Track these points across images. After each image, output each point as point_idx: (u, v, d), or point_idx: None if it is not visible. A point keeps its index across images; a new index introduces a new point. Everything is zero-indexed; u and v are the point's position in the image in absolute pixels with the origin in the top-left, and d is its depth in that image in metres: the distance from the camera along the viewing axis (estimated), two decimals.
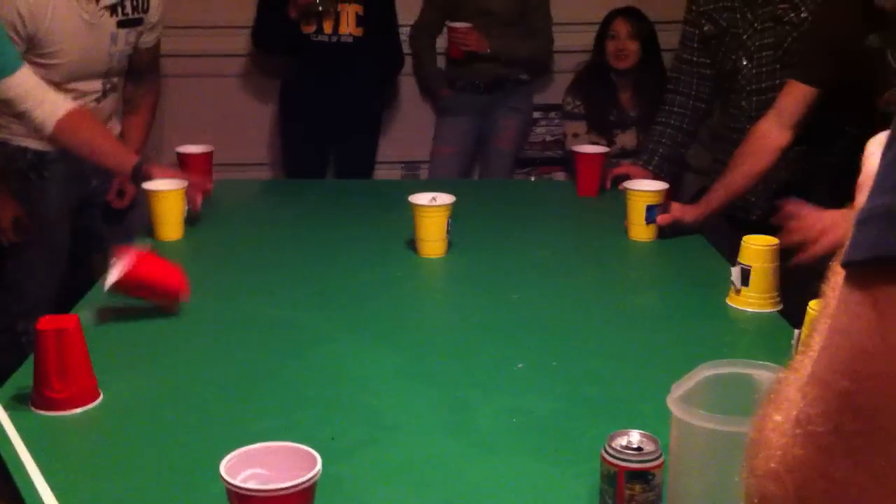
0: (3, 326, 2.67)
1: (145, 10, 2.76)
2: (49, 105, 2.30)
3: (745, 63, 2.65)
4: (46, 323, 1.51)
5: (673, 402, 1.06)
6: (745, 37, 2.64)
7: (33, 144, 2.69)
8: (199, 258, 2.28)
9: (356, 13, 3.47)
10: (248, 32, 3.66)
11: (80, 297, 1.97)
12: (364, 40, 3.50)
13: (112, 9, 2.66)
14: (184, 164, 2.70)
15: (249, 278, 2.13)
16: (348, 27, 3.47)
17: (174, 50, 3.64)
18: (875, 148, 0.69)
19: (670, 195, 2.47)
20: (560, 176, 3.89)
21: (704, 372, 1.11)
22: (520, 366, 1.65)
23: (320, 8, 3.38)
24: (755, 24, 2.61)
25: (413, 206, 2.17)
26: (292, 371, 1.67)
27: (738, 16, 2.66)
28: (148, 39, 2.85)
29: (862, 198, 0.65)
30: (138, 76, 2.94)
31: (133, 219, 2.90)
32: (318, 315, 1.91)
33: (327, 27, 3.46)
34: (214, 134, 3.24)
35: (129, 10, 2.71)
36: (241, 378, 1.64)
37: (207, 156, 2.73)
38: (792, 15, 2.53)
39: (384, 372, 1.66)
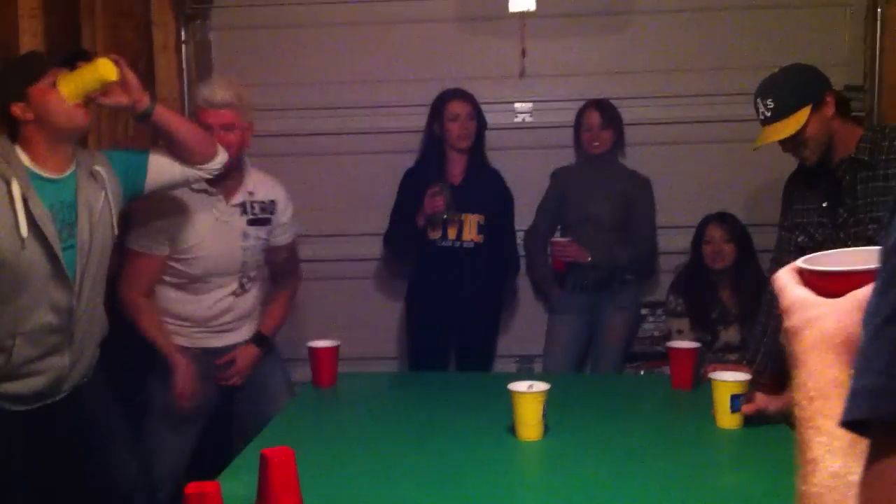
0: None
1: (272, 213, 3.16)
2: None
3: None
4: (192, 488, 1.80)
5: None
6: None
7: (179, 341, 3.06)
8: (320, 437, 2.56)
9: (478, 222, 3.83)
10: (381, 239, 4.07)
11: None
12: (484, 246, 3.84)
13: (242, 208, 3.08)
14: (314, 357, 3.03)
15: (362, 457, 2.38)
16: (470, 234, 3.83)
17: (315, 256, 4.11)
18: (787, 280, 0.90)
19: (770, 387, 2.64)
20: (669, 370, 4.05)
21: None
22: None
23: (445, 216, 3.76)
24: (848, 243, 2.76)
25: (512, 393, 2.42)
26: None
27: (831, 233, 2.84)
28: (280, 239, 3.23)
29: (789, 320, 0.85)
30: (277, 273, 3.33)
31: (266, 400, 3.19)
32: (427, 493, 2.13)
33: (451, 234, 3.82)
34: (350, 331, 3.57)
35: (257, 210, 3.12)
36: None
37: (334, 349, 3.06)
38: (883, 234, 2.69)
39: None
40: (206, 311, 3.10)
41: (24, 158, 2.44)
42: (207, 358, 3.12)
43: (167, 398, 3.00)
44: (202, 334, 3.12)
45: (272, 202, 3.17)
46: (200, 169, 2.75)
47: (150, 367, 3.03)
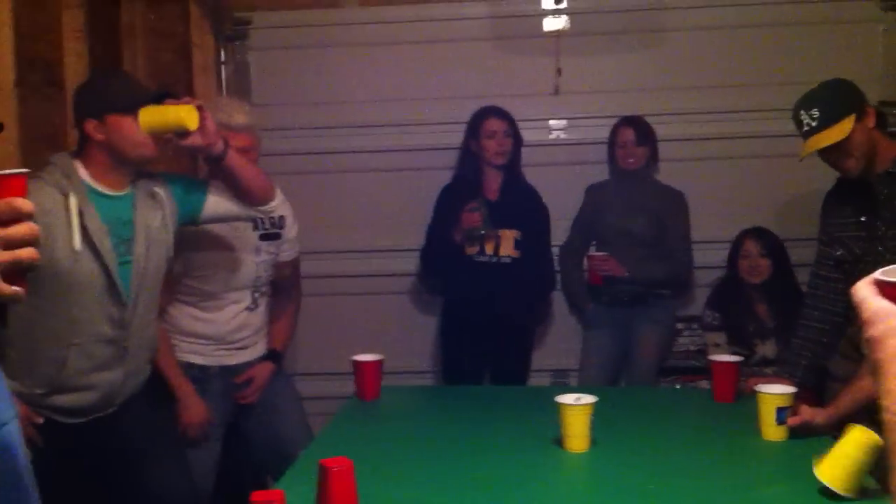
0: None
1: (281, 227, 3.24)
2: None
3: None
4: (257, 496, 1.85)
5: None
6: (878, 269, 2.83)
7: (198, 360, 3.13)
8: (370, 448, 2.59)
9: (514, 238, 3.86)
10: (417, 255, 4.12)
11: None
12: (521, 261, 3.87)
13: (254, 223, 3.13)
14: (359, 371, 3.08)
15: (414, 467, 2.44)
16: (507, 249, 3.85)
17: (351, 271, 4.16)
18: (867, 292, 0.94)
19: (809, 400, 2.68)
20: (705, 384, 4.07)
21: None
22: None
23: (482, 232, 3.81)
24: (886, 256, 2.79)
25: (560, 405, 2.46)
26: None
27: (868, 246, 2.87)
28: (287, 254, 3.31)
29: (872, 330, 0.89)
30: (282, 288, 3.38)
31: (285, 427, 3.25)
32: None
33: (489, 249, 3.85)
34: (385, 345, 3.61)
35: (268, 225, 3.19)
36: None
37: (378, 363, 3.10)
38: None
39: None
40: (223, 327, 3.15)
41: (84, 174, 2.51)
42: (225, 375, 3.17)
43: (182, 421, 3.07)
44: (220, 352, 3.17)
45: (282, 217, 3.25)
46: (257, 210, 2.81)
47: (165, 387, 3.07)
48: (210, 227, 3.00)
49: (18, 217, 1.05)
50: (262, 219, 3.14)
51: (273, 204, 2.83)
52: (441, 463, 2.47)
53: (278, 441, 3.20)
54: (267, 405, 3.27)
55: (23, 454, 0.80)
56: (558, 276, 4.18)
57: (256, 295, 3.20)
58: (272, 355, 3.30)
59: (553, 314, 4.34)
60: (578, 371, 4.15)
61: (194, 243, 3.02)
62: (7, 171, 1.08)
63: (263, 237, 3.19)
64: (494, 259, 3.87)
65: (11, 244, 1.04)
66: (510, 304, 3.89)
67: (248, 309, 3.18)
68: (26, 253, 1.05)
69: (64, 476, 2.60)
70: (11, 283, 1.04)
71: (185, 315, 3.14)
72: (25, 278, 1.06)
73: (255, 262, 3.15)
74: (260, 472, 3.38)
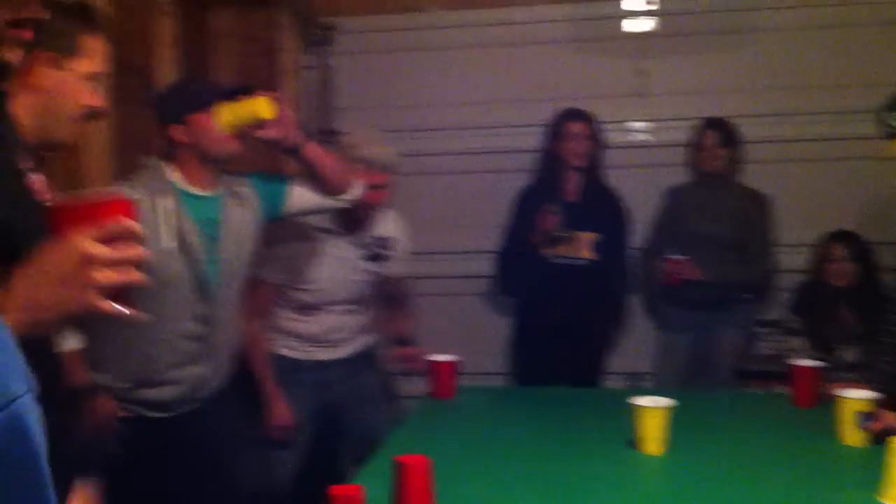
0: None
1: (390, 248, 3.30)
2: None
3: None
4: (337, 490, 1.90)
5: None
6: None
7: (289, 353, 3.22)
8: (445, 447, 2.61)
9: (592, 240, 3.86)
10: (494, 256, 4.14)
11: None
12: (598, 263, 3.88)
13: (359, 246, 3.21)
14: (433, 371, 3.13)
15: (488, 466, 2.46)
16: (584, 252, 3.86)
17: (429, 272, 4.21)
18: None
19: (891, 406, 2.62)
20: (783, 389, 4.01)
21: None
22: None
23: (559, 234, 3.81)
24: None
25: (636, 408, 2.46)
26: None
27: None
28: (395, 270, 3.36)
29: None
30: (392, 299, 3.45)
31: (379, 419, 3.29)
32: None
33: (566, 251, 3.86)
34: (460, 346, 3.66)
35: (375, 247, 3.25)
36: None
37: (454, 364, 3.14)
38: None
39: None
40: (318, 328, 3.24)
41: (175, 176, 2.60)
42: (317, 369, 3.25)
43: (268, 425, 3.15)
44: (314, 348, 3.26)
45: (391, 238, 3.31)
46: (336, 199, 2.86)
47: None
48: (315, 244, 3.10)
49: (129, 238, 1.12)
50: (369, 242, 3.23)
51: (352, 193, 2.85)
52: (515, 462, 2.49)
53: (371, 433, 3.24)
54: (361, 397, 3.34)
55: (38, 433, 0.74)
56: (636, 280, 4.16)
57: (355, 306, 3.28)
58: (404, 341, 3.42)
59: (628, 317, 4.32)
60: (654, 374, 4.12)
61: (298, 259, 3.12)
62: (117, 194, 1.15)
63: (369, 258, 3.26)
64: (571, 261, 3.88)
65: (121, 265, 1.11)
66: (586, 306, 3.89)
67: (346, 314, 3.26)
68: (135, 276, 1.12)
69: (149, 469, 2.69)
70: (115, 301, 1.11)
71: (282, 315, 3.23)
72: (131, 299, 1.13)
73: (355, 280, 3.23)
74: (345, 463, 3.45)
